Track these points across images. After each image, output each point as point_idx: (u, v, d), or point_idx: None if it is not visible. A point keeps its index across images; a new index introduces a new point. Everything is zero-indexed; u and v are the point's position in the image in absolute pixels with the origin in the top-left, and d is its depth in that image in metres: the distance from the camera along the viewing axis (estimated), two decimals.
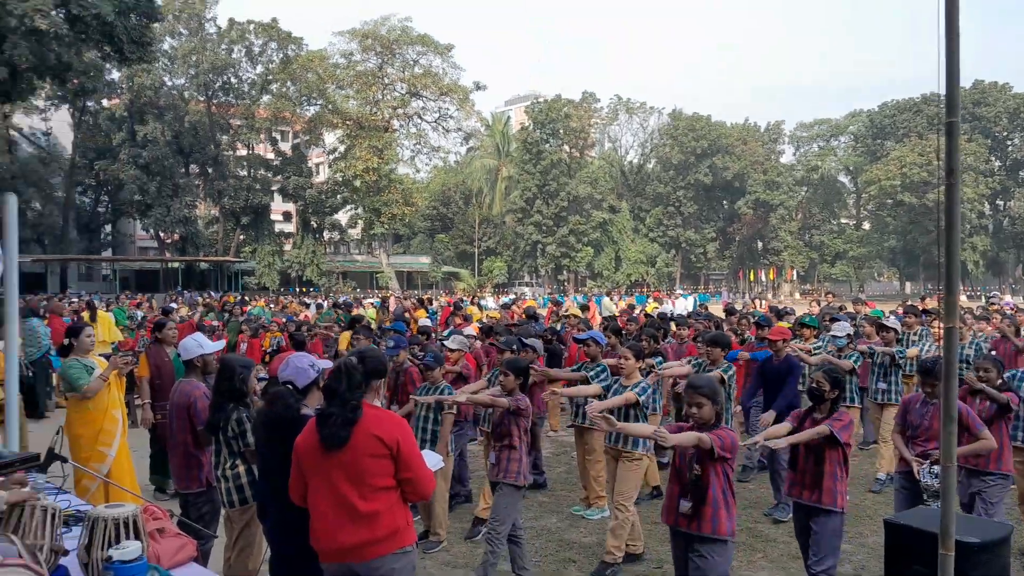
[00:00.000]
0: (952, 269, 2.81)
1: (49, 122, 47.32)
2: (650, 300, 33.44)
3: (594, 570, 5.56)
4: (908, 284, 65.00)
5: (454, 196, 67.83)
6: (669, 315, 13.26)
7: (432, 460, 3.98)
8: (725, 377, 6.58)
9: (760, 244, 64.79)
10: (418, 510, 6.12)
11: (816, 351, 8.55)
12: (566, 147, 60.92)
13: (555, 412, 10.31)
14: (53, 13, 20.26)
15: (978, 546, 3.59)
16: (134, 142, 45.93)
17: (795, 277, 65.49)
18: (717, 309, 20.65)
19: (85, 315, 13.58)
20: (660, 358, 7.57)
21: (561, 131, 59.81)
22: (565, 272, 63.40)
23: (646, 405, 5.92)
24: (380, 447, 3.20)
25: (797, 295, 57.41)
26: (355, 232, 59.73)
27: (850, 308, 14.30)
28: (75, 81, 27.40)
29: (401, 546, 3.26)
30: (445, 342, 7.68)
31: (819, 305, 16.90)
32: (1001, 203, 58.32)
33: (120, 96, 46.95)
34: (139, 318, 15.90)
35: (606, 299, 27.43)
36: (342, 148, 54.07)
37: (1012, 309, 13.58)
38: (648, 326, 9.63)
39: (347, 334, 10.77)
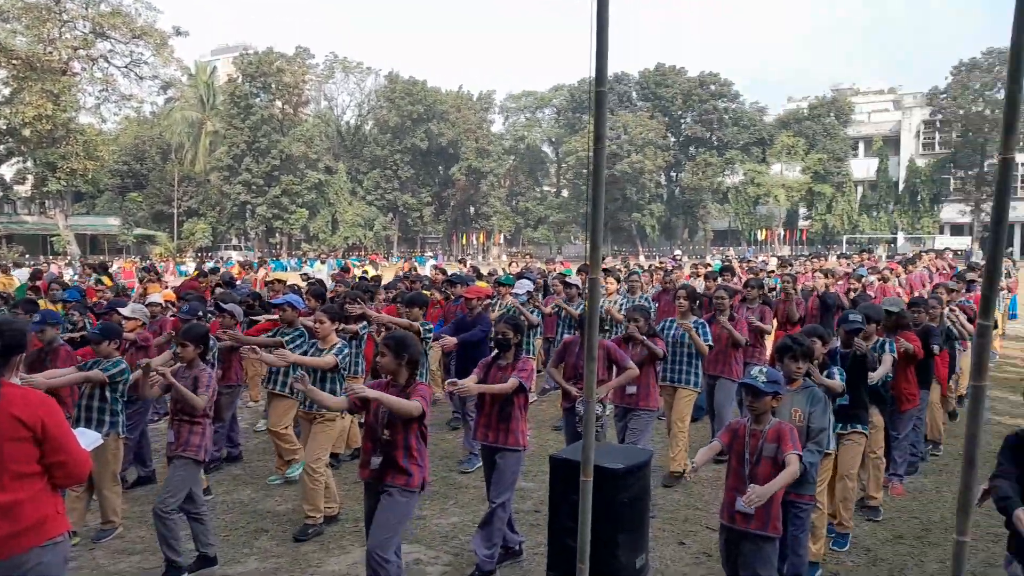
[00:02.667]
0: (596, 226, 3.10)
1: None
2: (366, 263, 33.32)
3: (297, 531, 5.49)
4: None
5: (150, 151, 61.28)
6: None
7: (88, 439, 3.62)
8: (422, 331, 6.83)
9: (472, 209, 67.42)
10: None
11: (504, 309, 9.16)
12: (278, 103, 57.89)
13: (255, 383, 9.87)
14: None
15: (622, 471, 4.10)
16: None
17: (503, 240, 69.32)
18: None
19: None
20: (365, 322, 7.57)
21: (273, 86, 56.64)
22: (278, 235, 60.78)
23: (344, 367, 5.96)
24: (21, 429, 2.88)
25: (504, 257, 60.97)
26: (23, 189, 51.74)
27: (544, 268, 15.53)
28: None
29: (50, 537, 2.96)
30: (120, 310, 6.95)
31: (519, 266, 18.12)
32: (674, 174, 66.54)
33: None
34: None
35: (318, 263, 26.87)
36: (7, 91, 46.12)
37: (673, 266, 15.68)
38: (355, 289, 9.56)
39: None
